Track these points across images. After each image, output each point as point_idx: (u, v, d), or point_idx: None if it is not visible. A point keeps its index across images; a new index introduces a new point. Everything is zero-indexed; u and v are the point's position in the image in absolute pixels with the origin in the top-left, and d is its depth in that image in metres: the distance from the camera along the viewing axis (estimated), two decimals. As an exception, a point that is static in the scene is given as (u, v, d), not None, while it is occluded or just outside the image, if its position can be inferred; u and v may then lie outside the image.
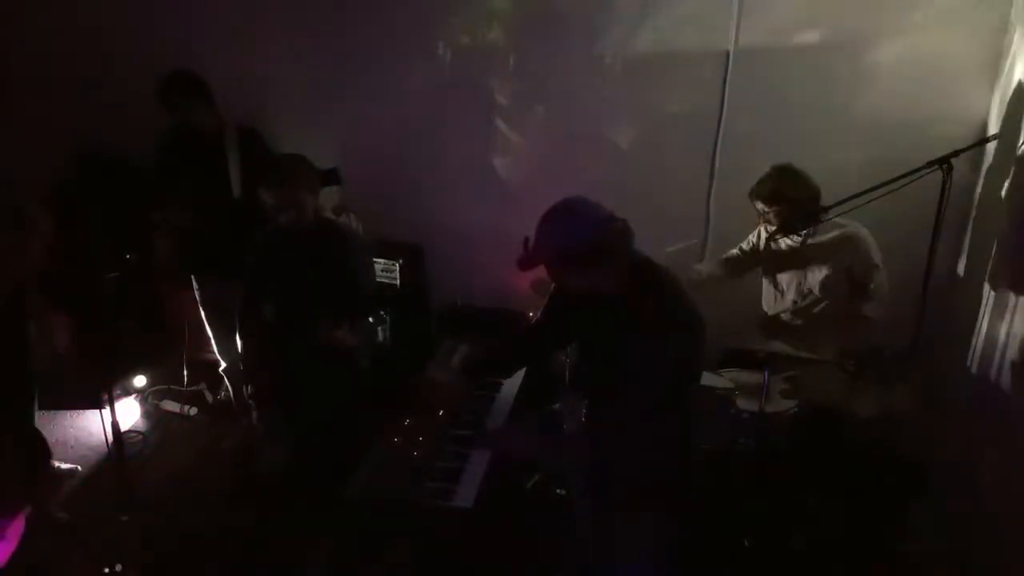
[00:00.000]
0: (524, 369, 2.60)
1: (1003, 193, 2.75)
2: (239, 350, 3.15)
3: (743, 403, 2.88)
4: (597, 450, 2.11)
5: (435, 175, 3.92)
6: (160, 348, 4.17)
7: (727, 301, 2.98)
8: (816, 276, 3.00)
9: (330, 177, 3.51)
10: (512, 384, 2.64)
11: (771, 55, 3.25)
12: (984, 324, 2.81)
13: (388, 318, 2.68)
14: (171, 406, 3.96)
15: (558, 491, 2.94)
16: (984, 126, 3.08)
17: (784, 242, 3.04)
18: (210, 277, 3.49)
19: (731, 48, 3.28)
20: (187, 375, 4.04)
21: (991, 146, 2.99)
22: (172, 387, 4.05)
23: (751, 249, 3.16)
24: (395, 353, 3.59)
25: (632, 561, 2.20)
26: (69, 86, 3.96)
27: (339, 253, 2.78)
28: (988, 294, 2.79)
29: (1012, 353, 2.50)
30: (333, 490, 2.00)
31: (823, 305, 3.03)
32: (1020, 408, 2.44)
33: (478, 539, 2.41)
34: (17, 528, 1.52)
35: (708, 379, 2.92)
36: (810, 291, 3.04)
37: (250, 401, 3.21)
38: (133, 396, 3.99)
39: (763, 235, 3.06)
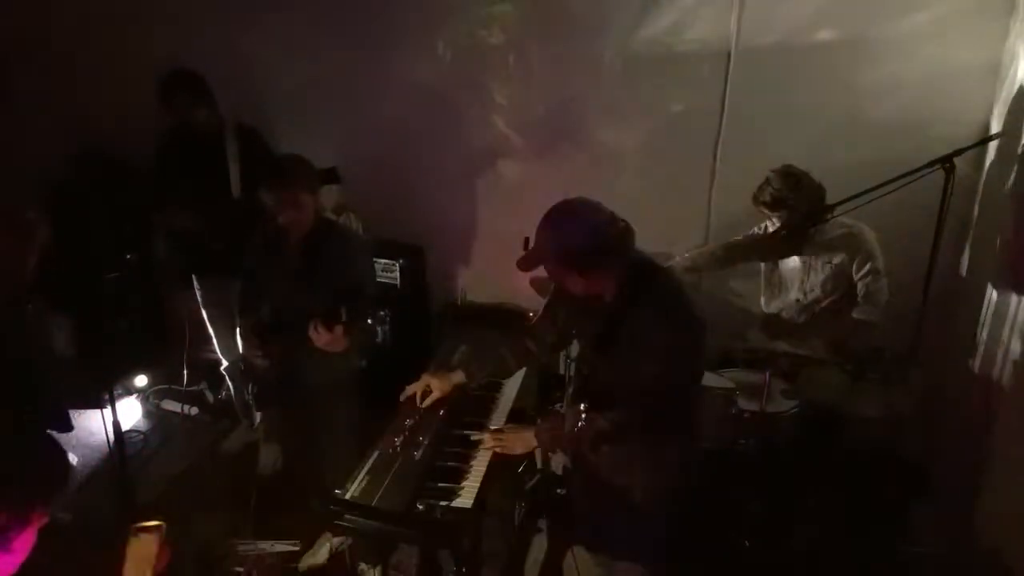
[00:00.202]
0: (524, 369, 2.60)
1: (1005, 193, 2.75)
2: (240, 349, 3.15)
3: (744, 403, 2.88)
4: (597, 451, 2.11)
5: (435, 175, 3.92)
6: (161, 348, 4.17)
7: (728, 300, 2.99)
8: (818, 274, 3.00)
9: (330, 176, 3.51)
10: (512, 384, 2.64)
11: (773, 55, 3.25)
12: (986, 324, 2.80)
13: (388, 318, 2.68)
14: (172, 406, 3.96)
15: (558, 491, 2.94)
16: (986, 128, 3.07)
17: (787, 239, 3.02)
18: (211, 277, 3.49)
19: (732, 49, 3.28)
20: (187, 375, 4.04)
21: (993, 146, 2.98)
22: (173, 387, 4.05)
23: (757, 237, 3.13)
24: (395, 353, 3.59)
25: (632, 560, 2.20)
26: (69, 85, 3.96)
27: (339, 253, 2.78)
28: (990, 294, 2.79)
29: (1014, 354, 2.50)
30: (333, 490, 2.00)
31: (825, 304, 3.03)
32: (1022, 408, 2.43)
33: (478, 539, 2.41)
34: (27, 541, 1.47)
35: (709, 379, 2.91)
36: (812, 289, 3.04)
37: (251, 401, 3.21)
38: (134, 396, 4.00)
39: (769, 229, 3.05)
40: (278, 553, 2.77)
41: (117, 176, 3.90)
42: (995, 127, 3.00)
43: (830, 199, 2.77)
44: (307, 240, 2.77)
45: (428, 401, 2.37)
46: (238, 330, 3.04)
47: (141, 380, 4.04)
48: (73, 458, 3.41)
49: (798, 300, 3.10)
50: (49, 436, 2.33)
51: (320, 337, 2.53)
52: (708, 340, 1.94)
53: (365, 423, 2.74)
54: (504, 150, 3.83)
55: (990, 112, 3.08)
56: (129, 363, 4.01)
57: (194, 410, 3.91)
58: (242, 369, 3.07)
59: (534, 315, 2.61)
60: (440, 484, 2.06)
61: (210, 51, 3.54)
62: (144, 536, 1.67)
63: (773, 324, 3.20)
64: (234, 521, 2.92)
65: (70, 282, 3.51)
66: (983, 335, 2.82)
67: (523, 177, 3.80)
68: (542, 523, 2.96)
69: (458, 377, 2.39)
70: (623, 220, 1.91)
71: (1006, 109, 2.88)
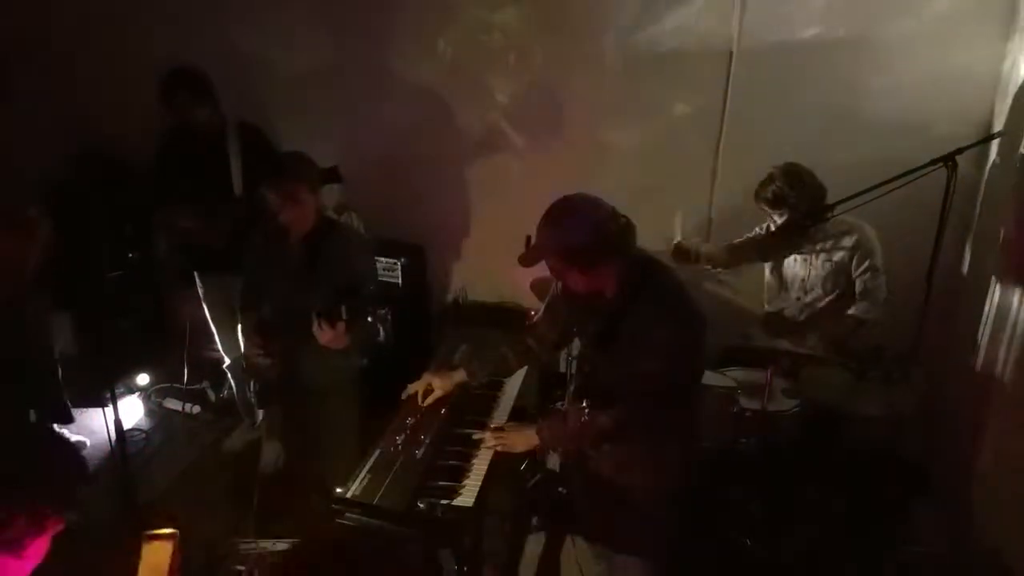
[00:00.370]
0: (525, 368, 2.60)
1: (1007, 191, 2.75)
2: (241, 348, 3.15)
3: (745, 402, 2.88)
4: (599, 449, 2.11)
5: (437, 174, 3.92)
6: (162, 346, 4.17)
7: (729, 299, 2.99)
8: (819, 273, 3.01)
9: (331, 176, 3.51)
10: (514, 382, 2.64)
11: (775, 55, 3.24)
12: (988, 323, 2.80)
13: (389, 317, 2.68)
14: (174, 404, 3.96)
15: (559, 490, 2.94)
16: (988, 127, 3.07)
17: (788, 237, 3.02)
18: (213, 274, 3.49)
19: (734, 48, 3.28)
20: (189, 373, 4.04)
21: (994, 145, 2.98)
22: (174, 385, 4.05)
23: (758, 238, 3.14)
24: (396, 352, 3.59)
25: (632, 560, 2.20)
26: (69, 85, 3.96)
27: (340, 252, 2.78)
28: (992, 293, 2.78)
29: (1016, 352, 2.50)
30: (334, 488, 2.00)
31: (825, 302, 3.03)
32: (1022, 408, 2.43)
33: (480, 538, 2.41)
34: (40, 547, 1.44)
35: (710, 377, 2.92)
36: (812, 287, 3.04)
37: (252, 399, 3.21)
38: (136, 394, 4.00)
39: (771, 228, 3.05)
40: (280, 552, 2.77)
41: (117, 176, 3.90)
42: (997, 126, 3.00)
43: (831, 198, 2.77)
44: (308, 239, 2.77)
45: (430, 400, 2.38)
46: (239, 328, 3.04)
47: (143, 379, 4.04)
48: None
49: (799, 298, 3.11)
50: (65, 440, 2.33)
51: (323, 333, 2.53)
52: (709, 338, 1.94)
53: (367, 422, 2.74)
54: (505, 149, 3.83)
55: (991, 112, 3.07)
56: (131, 362, 4.01)
57: (196, 408, 3.91)
58: (244, 367, 3.07)
59: (535, 313, 2.61)
60: (441, 483, 2.06)
61: (210, 51, 3.53)
62: (157, 544, 1.66)
63: (774, 322, 3.20)
64: (236, 519, 2.92)
65: (72, 281, 3.51)
66: (984, 334, 2.82)
67: (525, 176, 3.80)
68: (543, 521, 2.96)
69: (459, 376, 2.39)
70: (624, 216, 1.91)
71: (1007, 108, 2.88)
